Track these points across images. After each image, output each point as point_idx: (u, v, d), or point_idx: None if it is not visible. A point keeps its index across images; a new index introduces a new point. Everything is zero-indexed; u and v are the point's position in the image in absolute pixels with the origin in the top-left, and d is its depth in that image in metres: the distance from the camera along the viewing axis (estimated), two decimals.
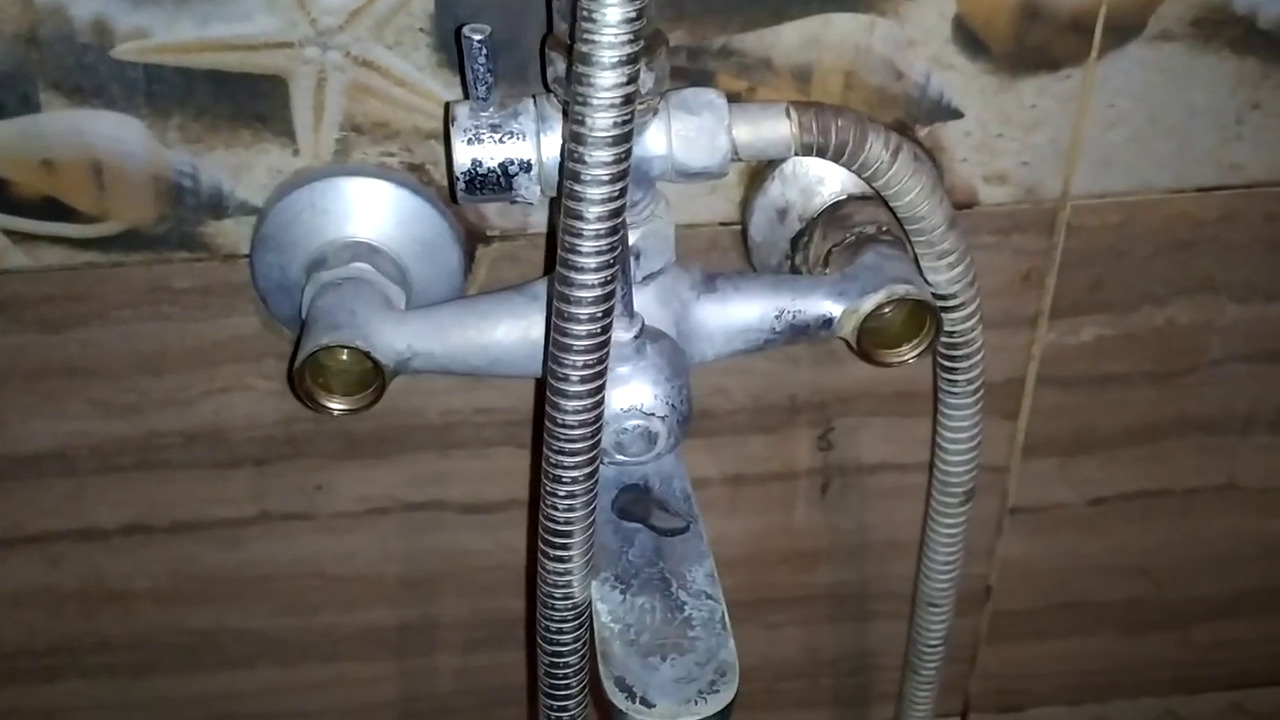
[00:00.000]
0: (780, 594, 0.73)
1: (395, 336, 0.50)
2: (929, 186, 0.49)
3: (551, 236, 0.57)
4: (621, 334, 0.46)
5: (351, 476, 0.65)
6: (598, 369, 0.42)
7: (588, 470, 0.44)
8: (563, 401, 0.43)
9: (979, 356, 0.55)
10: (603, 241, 0.40)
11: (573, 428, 0.43)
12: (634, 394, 0.47)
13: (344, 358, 0.52)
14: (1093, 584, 0.75)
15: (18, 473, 0.62)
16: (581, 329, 0.41)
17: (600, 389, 0.43)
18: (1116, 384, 0.66)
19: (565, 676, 0.49)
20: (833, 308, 0.51)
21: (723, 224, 0.58)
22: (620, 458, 0.48)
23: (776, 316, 0.51)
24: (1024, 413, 0.67)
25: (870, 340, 0.52)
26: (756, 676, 0.77)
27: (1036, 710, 0.82)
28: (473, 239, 0.57)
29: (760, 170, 0.57)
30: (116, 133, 0.53)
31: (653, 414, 0.47)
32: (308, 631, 0.71)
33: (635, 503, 0.51)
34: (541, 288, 0.51)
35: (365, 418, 0.62)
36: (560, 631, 0.48)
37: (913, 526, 0.70)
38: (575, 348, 0.42)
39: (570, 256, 0.40)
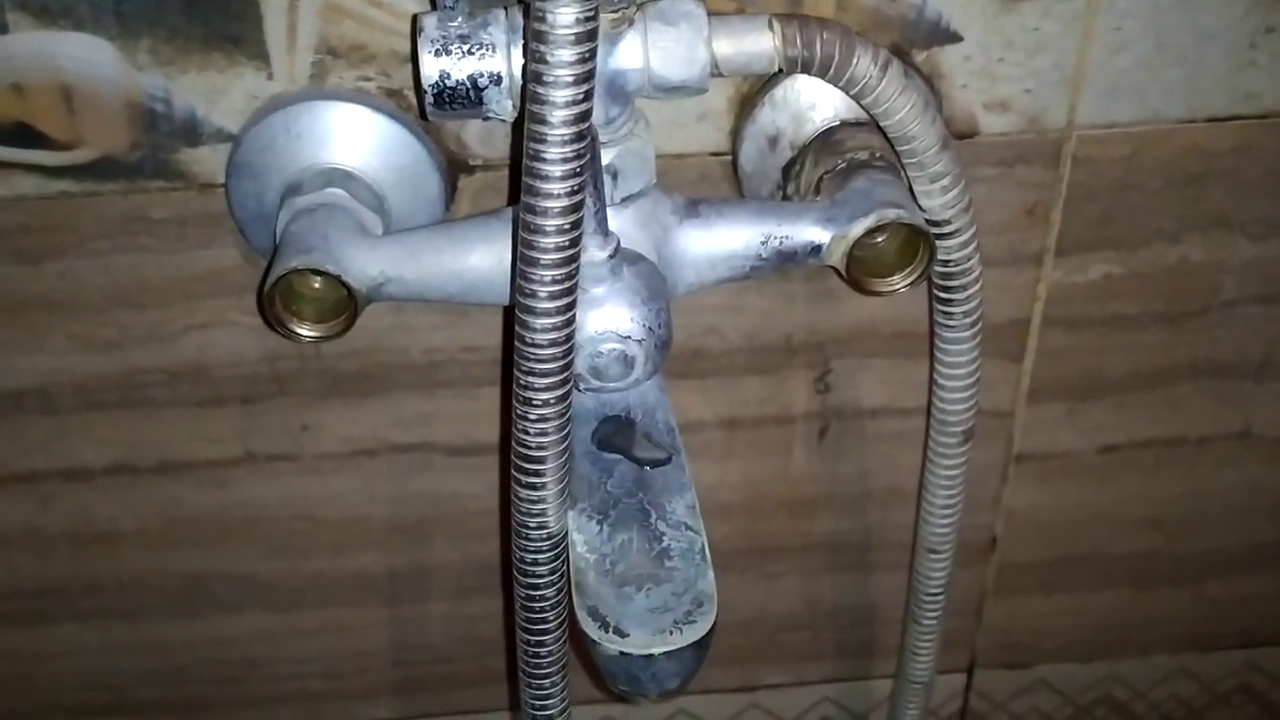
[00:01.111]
0: (778, 542, 0.71)
1: (368, 261, 0.49)
2: (920, 104, 0.47)
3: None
4: (596, 253, 0.44)
5: (337, 416, 0.63)
6: (567, 285, 0.40)
7: (559, 393, 0.43)
8: (531, 319, 0.41)
9: (976, 288, 0.53)
10: (568, 148, 0.38)
11: (542, 347, 0.42)
12: (610, 316, 0.45)
13: (317, 285, 0.51)
14: (1102, 536, 0.73)
15: (0, 409, 0.62)
16: (549, 241, 0.40)
17: (571, 306, 0.41)
18: (1126, 325, 0.64)
19: (542, 610, 0.48)
20: (821, 234, 0.49)
21: (712, 154, 0.56)
22: (596, 383, 0.46)
23: (762, 243, 0.49)
24: (1029, 355, 0.65)
25: (861, 269, 0.50)
26: (755, 628, 0.75)
27: (1045, 667, 0.80)
28: (455, 168, 0.56)
29: (750, 97, 0.55)
30: (87, 55, 0.51)
31: (629, 337, 0.45)
32: (297, 576, 0.70)
33: (616, 434, 0.49)
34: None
35: (349, 355, 0.61)
36: (535, 564, 0.46)
37: (914, 473, 0.68)
38: (542, 261, 0.40)
39: (535, 165, 0.39)
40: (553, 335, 0.41)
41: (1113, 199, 0.60)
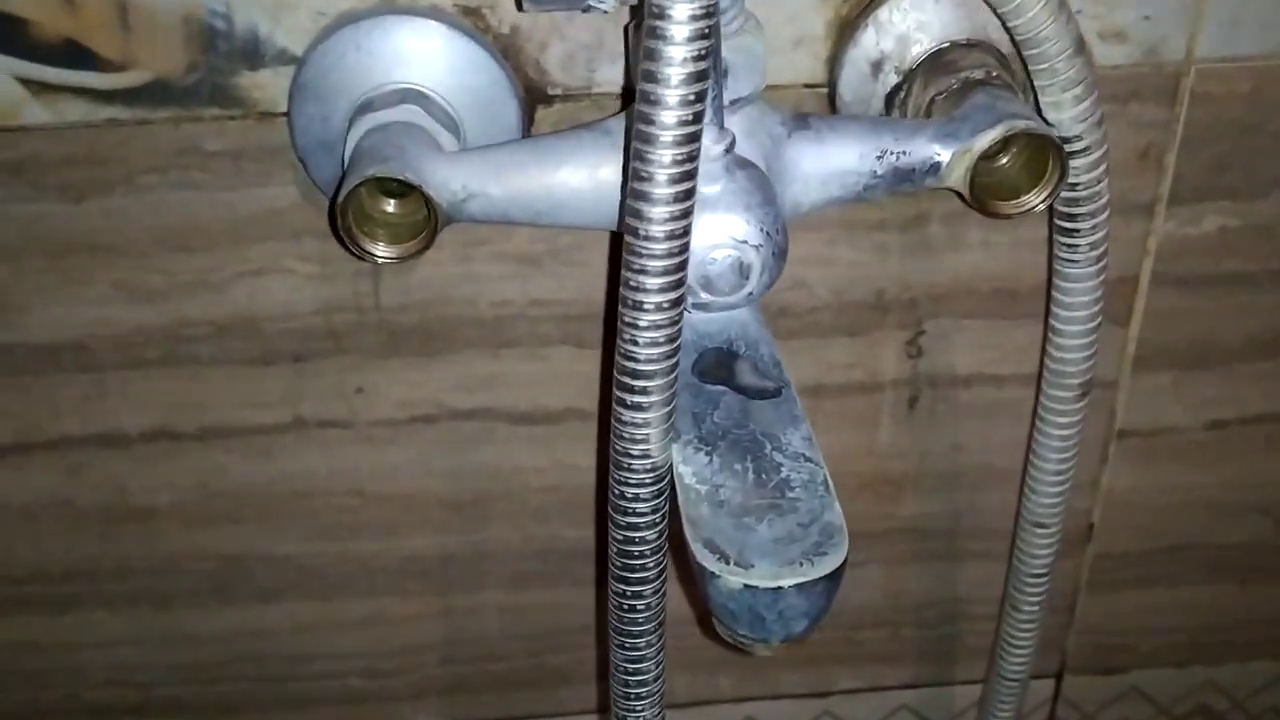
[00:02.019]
0: (861, 526, 0.66)
1: (450, 175, 0.45)
2: (1054, 1, 0.43)
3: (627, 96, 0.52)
4: (711, 145, 0.40)
5: (394, 378, 0.59)
6: (687, 167, 0.36)
7: (673, 296, 0.38)
8: (646, 208, 0.37)
9: (1103, 216, 0.48)
10: (696, 4, 0.34)
11: (657, 240, 0.37)
12: (724, 219, 0.41)
13: (390, 209, 0.47)
14: (1207, 523, 0.68)
15: (35, 365, 0.57)
16: (670, 116, 0.35)
17: (690, 194, 0.37)
18: (1241, 285, 0.60)
19: (640, 556, 0.43)
20: (941, 150, 0.45)
21: (807, 85, 0.52)
22: (706, 297, 0.42)
23: (878, 158, 0.45)
24: (1136, 317, 0.60)
25: (984, 192, 0.46)
26: (830, 625, 0.69)
27: (1139, 673, 0.74)
28: (533, 98, 0.52)
29: (850, 20, 0.51)
30: None
31: (745, 242, 0.41)
32: (344, 559, 0.65)
33: (719, 364, 0.45)
34: (615, 123, 0.45)
35: (411, 307, 0.57)
36: (636, 499, 0.42)
37: (1009, 450, 0.63)
38: (662, 139, 0.36)
39: (659, 24, 0.35)
40: (669, 226, 0.37)
41: (1231, 142, 0.56)
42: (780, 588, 0.37)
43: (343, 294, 0.56)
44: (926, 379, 0.61)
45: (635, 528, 0.42)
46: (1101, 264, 0.50)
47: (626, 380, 0.40)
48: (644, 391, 0.40)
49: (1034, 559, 0.59)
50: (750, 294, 0.42)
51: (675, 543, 0.42)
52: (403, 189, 0.47)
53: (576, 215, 0.46)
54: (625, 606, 0.44)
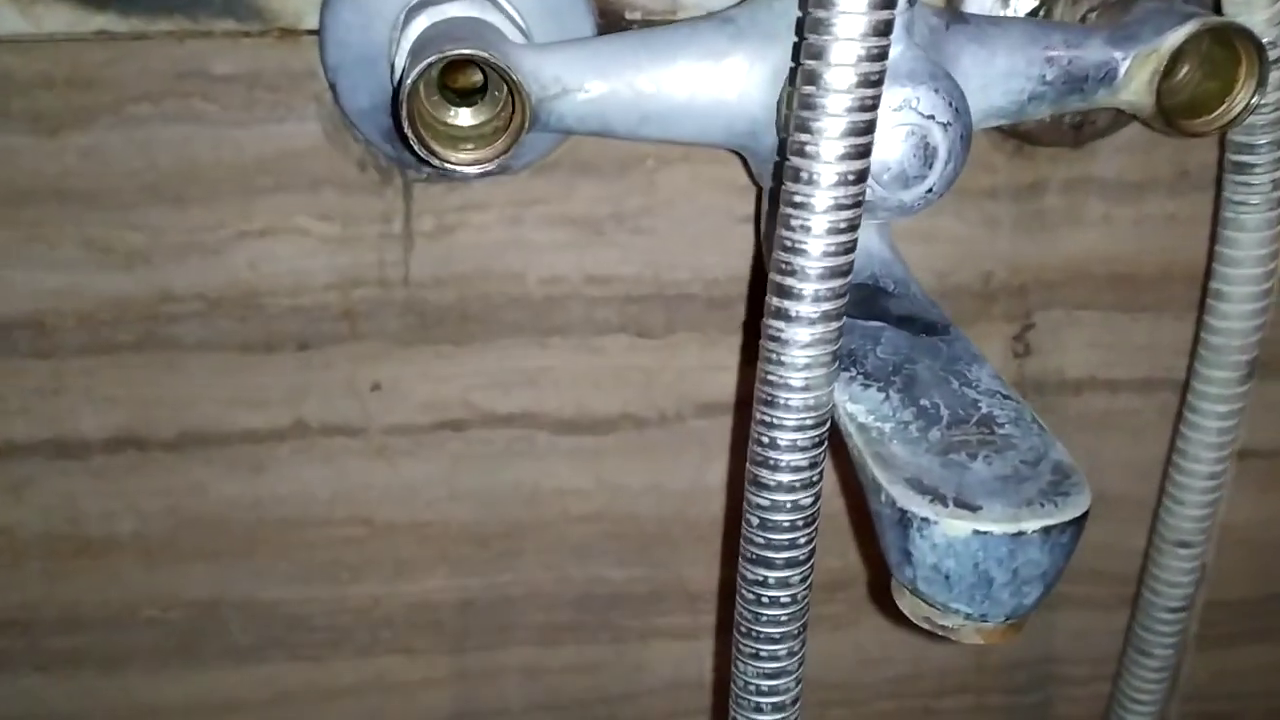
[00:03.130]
0: None
1: (541, 64, 0.37)
2: None
3: None
4: None
5: (420, 371, 0.49)
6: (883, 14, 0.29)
7: (859, 167, 0.30)
8: (828, 56, 0.29)
9: None
10: None
11: (840, 92, 0.29)
12: (904, 90, 0.33)
13: (453, 118, 0.38)
14: None
15: None
16: None
17: (884, 49, 0.29)
18: None
19: (791, 528, 0.33)
20: (1117, 54, 0.39)
21: None
22: (877, 191, 0.34)
23: (1047, 61, 0.38)
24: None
25: (1170, 110, 0.39)
26: (908, 690, 0.60)
27: None
28: (608, 20, 0.44)
29: None
30: None
31: (932, 116, 0.33)
32: (340, 608, 0.54)
33: (868, 302, 0.36)
34: (739, 12, 0.38)
35: (447, 282, 0.48)
36: (793, 447, 0.32)
37: (1121, 473, 0.55)
38: None
39: None
40: (859, 72, 0.29)
41: None
42: (1021, 533, 0.28)
43: (366, 263, 0.47)
44: (1033, 383, 0.53)
45: (788, 488, 0.33)
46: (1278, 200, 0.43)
47: (789, 284, 0.31)
48: (818, 299, 0.31)
49: (1173, 588, 0.50)
50: (930, 190, 0.34)
51: None
52: (471, 96, 0.39)
53: (692, 121, 0.37)
54: (765, 600, 0.34)
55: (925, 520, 0.29)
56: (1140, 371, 0.54)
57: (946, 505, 0.29)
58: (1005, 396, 0.33)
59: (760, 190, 0.44)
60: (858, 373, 0.33)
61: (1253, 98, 0.38)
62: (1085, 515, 0.29)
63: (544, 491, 0.52)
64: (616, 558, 0.54)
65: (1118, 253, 0.51)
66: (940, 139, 0.33)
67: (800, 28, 0.30)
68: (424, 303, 0.48)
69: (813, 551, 0.34)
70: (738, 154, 0.42)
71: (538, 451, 0.51)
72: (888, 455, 0.30)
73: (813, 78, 0.30)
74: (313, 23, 0.43)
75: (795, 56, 0.33)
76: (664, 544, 0.54)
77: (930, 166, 0.33)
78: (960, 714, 0.61)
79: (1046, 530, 0.28)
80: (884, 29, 0.29)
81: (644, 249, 0.48)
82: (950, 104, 0.33)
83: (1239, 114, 0.39)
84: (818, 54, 0.30)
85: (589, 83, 0.37)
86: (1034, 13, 0.44)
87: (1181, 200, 0.50)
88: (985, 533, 0.28)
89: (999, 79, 0.38)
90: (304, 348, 0.48)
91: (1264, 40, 0.39)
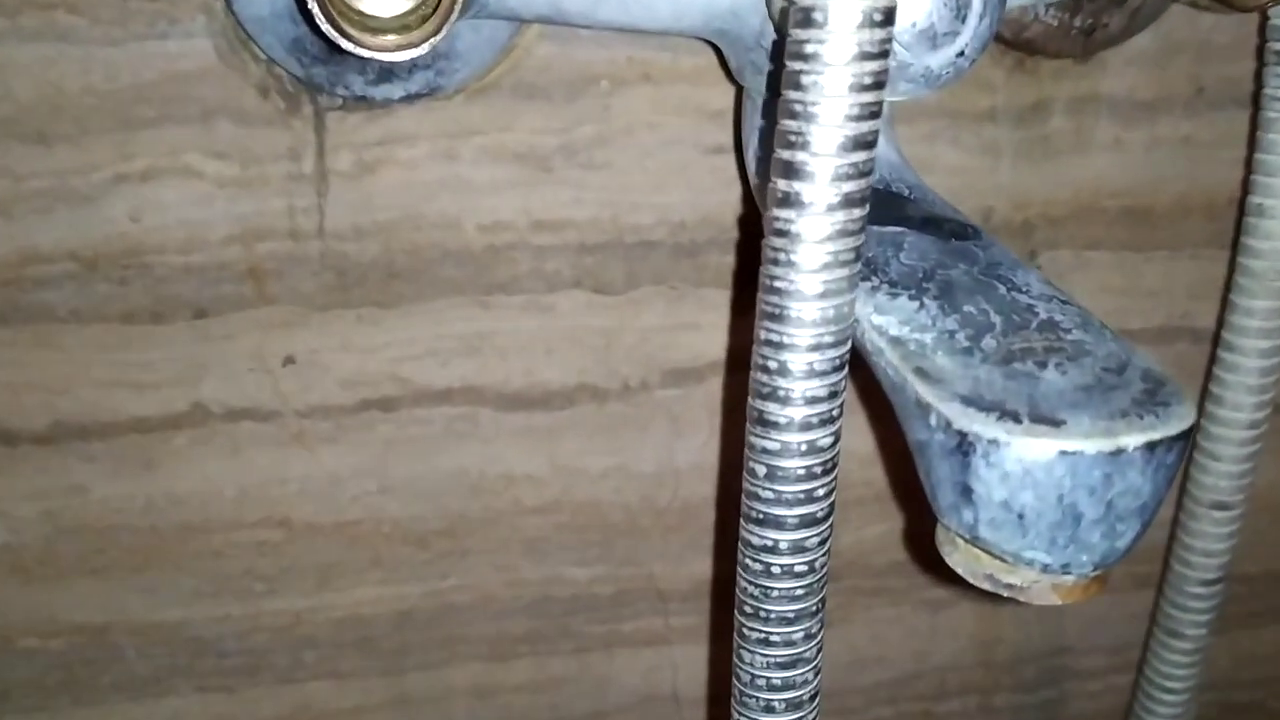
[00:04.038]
0: None
1: None
2: None
3: None
4: None
5: (340, 340, 0.42)
6: None
7: (883, 38, 0.24)
8: None
9: None
10: None
11: None
12: None
13: (371, 9, 0.31)
14: None
15: None
16: None
17: None
18: None
19: (808, 476, 0.26)
20: None
21: None
22: (900, 54, 0.27)
23: None
24: None
25: None
26: (904, 694, 0.54)
27: None
28: None
29: None
30: None
31: None
32: (256, 626, 0.46)
33: (883, 204, 0.30)
34: None
35: (370, 233, 0.41)
36: (810, 372, 0.26)
37: None
38: None
39: None
40: None
41: None
42: (1120, 450, 0.22)
43: (272, 211, 0.40)
44: None
45: (803, 425, 0.26)
46: None
47: (799, 161, 0.25)
48: (833, 176, 0.25)
49: (1208, 558, 0.44)
50: (961, 53, 0.28)
51: None
52: None
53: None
54: (776, 570, 0.27)
55: (993, 442, 0.22)
56: (1156, 319, 0.48)
57: (1020, 421, 0.22)
58: (1064, 301, 0.27)
59: (740, 94, 0.38)
60: (881, 281, 0.27)
61: None
62: (1191, 429, 0.23)
63: (490, 479, 0.45)
64: (576, 554, 0.47)
65: (1130, 183, 0.46)
66: None
67: None
68: (343, 258, 0.41)
69: (832, 507, 0.27)
70: (714, 48, 0.36)
71: (482, 432, 0.44)
72: (934, 369, 0.24)
73: None
74: None
75: None
76: (630, 536, 0.47)
77: (963, 20, 0.27)
78: (964, 717, 0.55)
79: (1150, 446, 0.22)
80: None
81: (600, 188, 0.42)
82: None
83: None
84: None
85: None
86: None
87: (1198, 121, 0.45)
88: (1075, 453, 0.22)
89: None
90: (200, 316, 0.41)
91: None
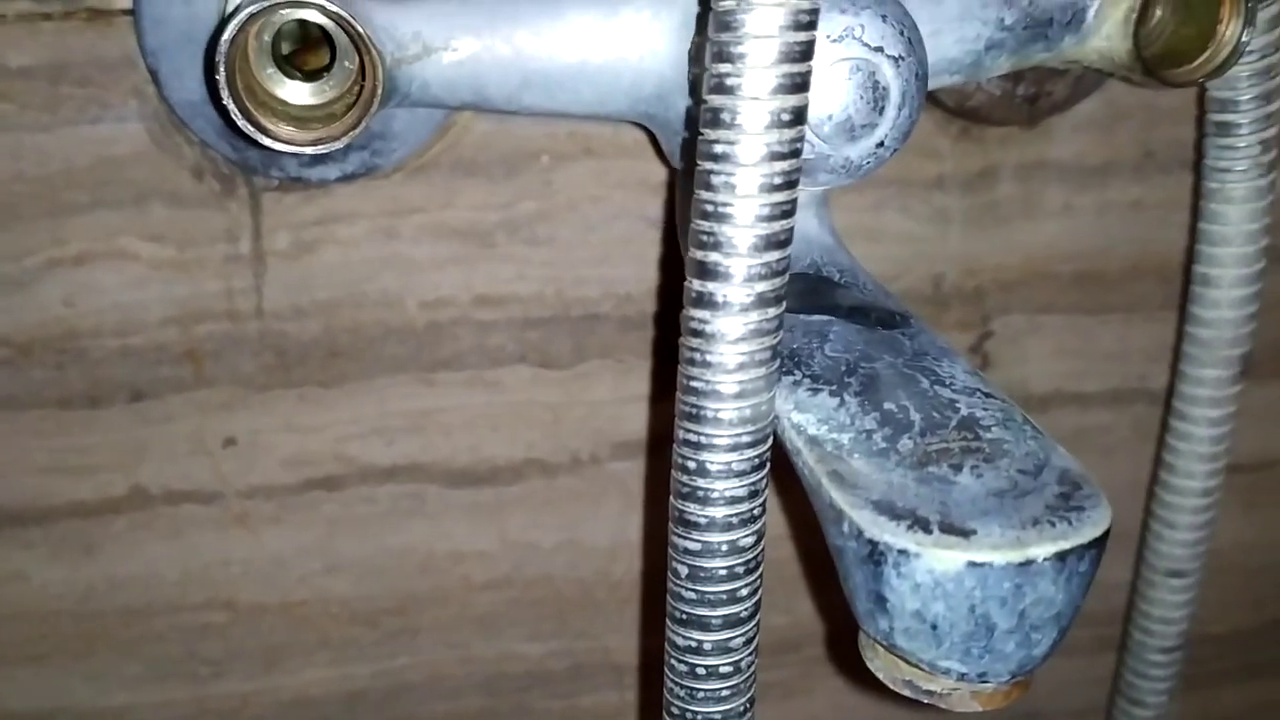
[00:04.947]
0: None
1: (398, 19, 0.30)
2: None
3: None
4: None
5: (282, 421, 0.41)
6: None
7: (795, 103, 0.23)
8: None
9: (1275, 105, 0.36)
10: None
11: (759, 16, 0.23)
12: (847, 15, 0.27)
13: (292, 98, 0.31)
14: None
15: None
16: None
17: None
18: None
19: (730, 577, 0.26)
20: None
21: None
22: (816, 145, 0.27)
23: (1006, 1, 0.32)
24: None
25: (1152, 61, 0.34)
26: None
27: None
28: None
29: None
30: None
31: (882, 49, 0.27)
32: (202, 711, 0.45)
33: (811, 293, 0.30)
34: None
35: (309, 312, 0.40)
36: (727, 471, 0.25)
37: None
38: None
39: None
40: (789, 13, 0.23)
41: None
42: (1029, 561, 0.21)
43: (210, 292, 0.39)
44: None
45: (724, 525, 0.25)
46: (1271, 175, 0.37)
47: (713, 261, 0.24)
48: (746, 277, 0.24)
49: (1166, 625, 0.44)
50: (881, 144, 0.28)
51: None
52: (317, 68, 0.32)
53: (587, 84, 0.31)
54: (701, 671, 0.27)
55: (904, 553, 0.22)
56: (1111, 382, 0.48)
57: (930, 531, 0.22)
58: (987, 394, 0.26)
59: (674, 174, 0.37)
60: (804, 376, 0.27)
61: (1240, 37, 0.33)
62: (1106, 535, 0.23)
63: (439, 557, 0.45)
64: (529, 630, 0.46)
65: (1081, 247, 0.46)
66: (891, 76, 0.27)
67: None
68: (283, 338, 0.40)
69: (758, 606, 0.27)
70: (646, 130, 0.35)
71: (429, 509, 0.44)
72: (848, 473, 0.24)
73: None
74: (126, 0, 0.36)
75: None
76: (584, 610, 0.47)
77: (881, 111, 0.27)
78: None
79: (1061, 556, 0.22)
80: None
81: (543, 262, 0.41)
82: (902, 33, 0.27)
83: (1226, 58, 0.33)
84: None
85: (457, 40, 0.30)
86: None
87: (1147, 184, 0.45)
88: (984, 564, 0.21)
89: (951, 22, 0.32)
90: (138, 398, 0.40)
91: None
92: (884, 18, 0.26)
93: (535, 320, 0.42)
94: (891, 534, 0.22)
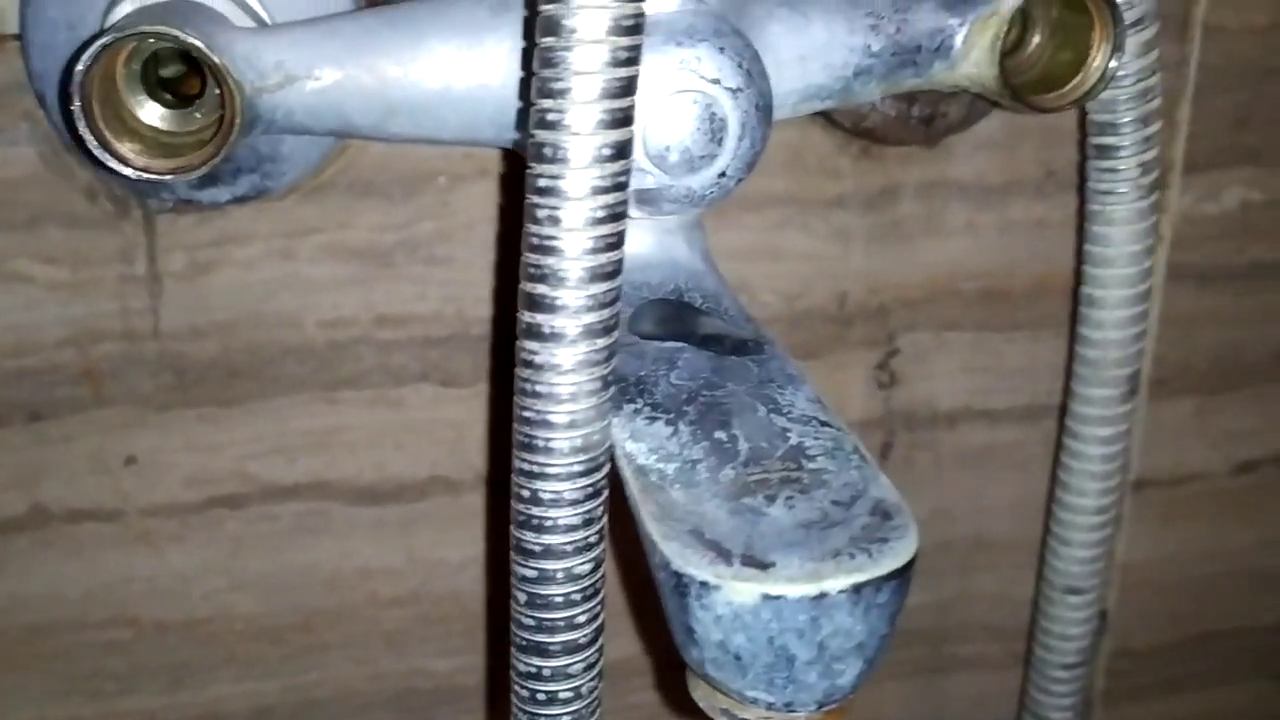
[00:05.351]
0: None
1: (259, 49, 0.30)
2: None
3: None
4: None
5: (182, 440, 0.42)
6: None
7: (618, 137, 0.24)
8: (567, 21, 0.23)
9: (1155, 126, 0.36)
10: None
11: (585, 72, 0.23)
12: (686, 52, 0.27)
13: (156, 123, 0.31)
14: (1238, 600, 0.55)
15: None
16: None
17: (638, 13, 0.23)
18: (1267, 280, 0.49)
19: (567, 604, 0.26)
20: (952, 20, 0.33)
21: None
22: (658, 176, 0.27)
23: (872, 28, 0.32)
24: (1151, 324, 0.48)
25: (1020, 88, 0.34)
26: None
27: None
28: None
29: None
30: None
31: (719, 82, 0.27)
32: None
33: (668, 319, 0.30)
34: None
35: (207, 333, 0.41)
36: (558, 500, 0.25)
37: (1010, 514, 0.49)
38: None
39: None
40: (603, 49, 0.23)
41: (1250, 90, 0.46)
42: (823, 594, 0.22)
43: (106, 313, 0.39)
44: (902, 416, 0.47)
45: (559, 553, 0.26)
46: (1153, 196, 0.37)
47: (541, 294, 0.25)
48: (575, 309, 0.24)
49: (1066, 642, 0.44)
50: (723, 174, 0.28)
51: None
52: (181, 94, 0.32)
53: (451, 112, 0.31)
54: (541, 697, 0.27)
55: (705, 585, 0.22)
56: (1020, 398, 0.48)
57: (730, 564, 0.22)
58: (823, 423, 0.26)
59: None
60: (645, 404, 0.27)
61: (1109, 63, 0.33)
62: (909, 565, 0.23)
63: (346, 574, 0.45)
64: (438, 646, 0.47)
65: (985, 265, 0.46)
66: (730, 108, 0.27)
67: None
68: (181, 358, 0.41)
69: (598, 632, 0.27)
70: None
71: (334, 527, 0.44)
72: (666, 504, 0.24)
73: (553, 27, 0.24)
74: (13, 25, 0.36)
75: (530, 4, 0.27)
76: (494, 624, 0.47)
77: (720, 143, 0.27)
78: None
79: (856, 589, 0.22)
80: None
81: (443, 282, 0.42)
82: (740, 65, 0.27)
83: (1095, 84, 0.33)
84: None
85: (320, 69, 0.30)
86: None
87: (1050, 202, 0.45)
88: (778, 597, 0.22)
89: (817, 50, 0.32)
90: (36, 418, 0.40)
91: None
92: (721, 50, 0.27)
93: (436, 339, 0.42)
94: (695, 566, 0.22)
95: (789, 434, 0.26)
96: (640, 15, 0.24)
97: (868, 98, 0.34)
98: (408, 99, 0.31)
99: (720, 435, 0.26)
